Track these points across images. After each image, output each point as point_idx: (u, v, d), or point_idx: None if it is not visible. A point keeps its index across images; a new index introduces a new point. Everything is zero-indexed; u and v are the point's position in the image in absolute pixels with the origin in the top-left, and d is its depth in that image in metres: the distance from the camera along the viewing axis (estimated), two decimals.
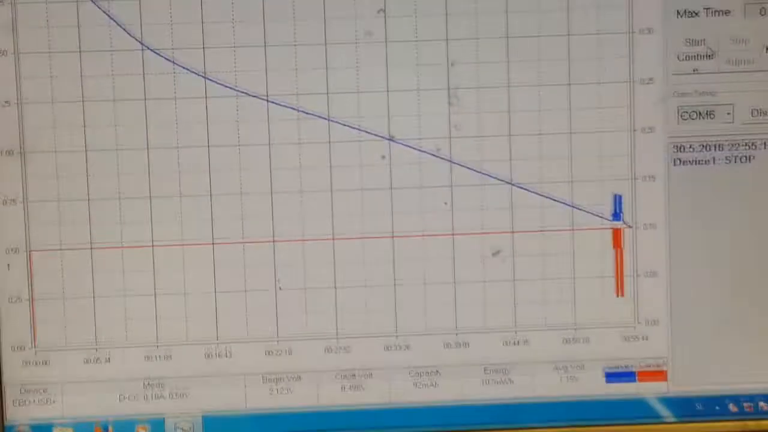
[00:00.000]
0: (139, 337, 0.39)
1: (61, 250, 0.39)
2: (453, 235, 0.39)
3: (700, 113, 0.39)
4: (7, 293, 0.39)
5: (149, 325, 0.39)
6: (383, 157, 0.39)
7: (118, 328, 0.39)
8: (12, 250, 0.38)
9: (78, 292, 0.39)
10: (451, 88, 0.39)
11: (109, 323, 0.39)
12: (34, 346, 0.39)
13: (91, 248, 0.39)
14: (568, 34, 0.38)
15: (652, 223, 0.39)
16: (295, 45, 0.38)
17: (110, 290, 0.39)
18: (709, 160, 0.39)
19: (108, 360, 0.39)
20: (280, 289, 0.39)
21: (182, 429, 0.40)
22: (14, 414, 0.39)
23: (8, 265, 0.39)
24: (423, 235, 0.39)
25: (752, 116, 0.39)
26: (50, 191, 0.38)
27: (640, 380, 0.40)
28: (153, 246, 0.39)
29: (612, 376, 0.40)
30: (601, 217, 0.39)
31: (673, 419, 0.40)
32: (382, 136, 0.39)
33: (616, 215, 0.39)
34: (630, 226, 0.39)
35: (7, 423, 0.39)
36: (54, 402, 0.39)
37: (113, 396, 0.39)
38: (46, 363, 0.39)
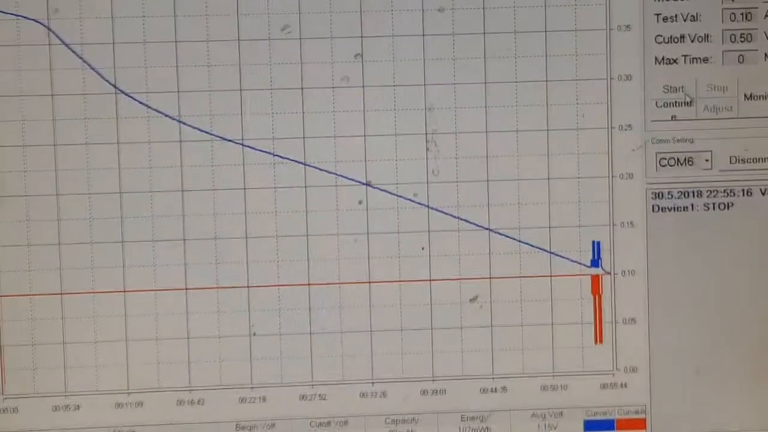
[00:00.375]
0: (110, 383, 0.39)
1: (30, 295, 0.38)
2: (430, 281, 0.39)
3: (678, 160, 0.39)
4: None
5: (120, 371, 0.39)
6: (360, 202, 0.38)
7: (88, 375, 0.39)
8: None
9: (47, 338, 0.38)
10: (428, 133, 0.38)
11: (78, 370, 0.39)
12: (2, 394, 0.38)
13: (62, 294, 0.38)
14: (546, 80, 0.38)
15: (631, 270, 0.39)
16: (271, 89, 0.38)
17: (80, 336, 0.38)
18: (688, 207, 0.39)
19: (78, 407, 0.39)
20: (254, 335, 0.39)
21: None
22: None
23: None
24: (400, 281, 0.39)
25: (731, 163, 0.39)
26: (20, 236, 0.38)
27: (619, 429, 0.40)
28: (125, 292, 0.38)
29: (591, 425, 0.40)
30: (579, 263, 0.39)
31: None
32: (359, 182, 0.38)
33: (595, 262, 0.39)
34: (609, 273, 0.39)
35: None
36: None
37: None
38: (14, 411, 0.38)
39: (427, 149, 0.38)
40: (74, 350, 0.38)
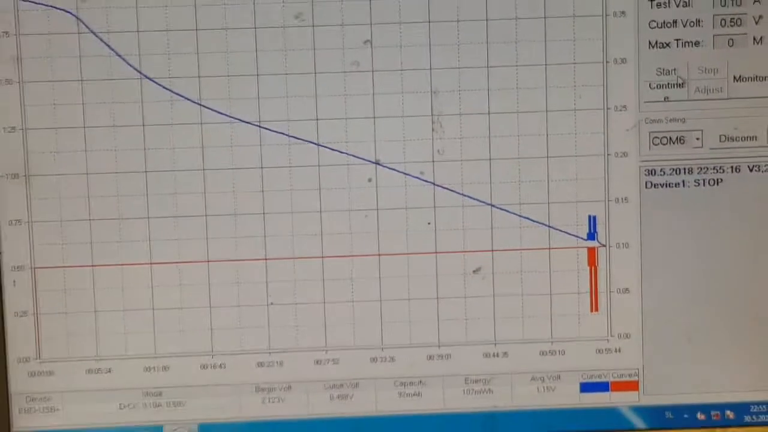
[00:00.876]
0: (138, 349, 0.42)
1: (63, 267, 0.41)
2: (436, 253, 0.41)
3: (670, 139, 0.41)
4: (13, 308, 0.41)
5: (148, 338, 0.42)
6: (370, 180, 0.41)
7: (118, 341, 0.41)
8: (17, 267, 0.41)
9: (80, 307, 0.41)
10: (434, 114, 0.41)
11: (109, 336, 0.41)
12: (39, 358, 0.41)
13: (93, 266, 0.41)
14: (545, 64, 0.40)
15: (625, 243, 0.41)
16: (285, 74, 0.40)
17: (110, 305, 0.41)
18: (679, 183, 0.41)
19: (109, 371, 0.42)
20: (271, 304, 0.41)
21: None
22: (20, 422, 0.42)
23: (14, 281, 0.41)
24: (407, 254, 0.41)
25: (720, 142, 0.41)
26: (53, 212, 0.41)
27: (614, 391, 0.42)
28: (151, 264, 0.41)
29: (587, 387, 0.42)
30: (576, 236, 0.41)
31: (644, 428, 0.42)
32: (368, 161, 0.41)
33: (591, 235, 0.41)
34: (604, 246, 0.41)
35: (13, 431, 0.41)
36: (57, 411, 0.42)
37: (114, 405, 0.42)
38: (50, 374, 0.41)
39: (433, 130, 0.41)
40: (105, 318, 0.41)
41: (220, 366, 0.42)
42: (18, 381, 0.41)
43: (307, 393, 0.42)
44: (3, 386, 0.41)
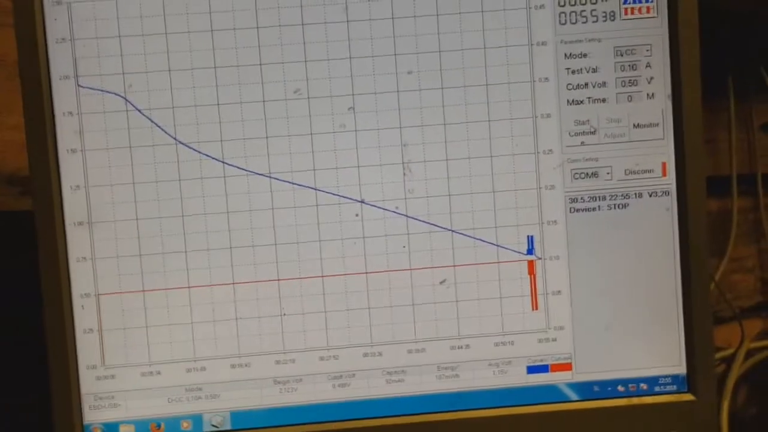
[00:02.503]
0: (181, 355, 0.53)
1: (120, 293, 0.52)
2: (410, 270, 0.53)
3: (587, 174, 0.53)
4: (82, 327, 0.52)
5: (188, 346, 0.53)
6: (357, 215, 0.52)
7: (165, 349, 0.53)
8: (84, 295, 0.52)
9: (134, 324, 0.52)
10: (405, 162, 0.52)
11: (158, 346, 0.52)
12: (104, 365, 0.52)
13: (143, 291, 0.52)
14: (489, 120, 0.52)
15: (556, 256, 0.53)
16: (288, 136, 0.52)
17: (158, 321, 0.52)
18: (595, 208, 0.53)
19: (159, 373, 0.53)
20: (284, 315, 0.53)
21: (216, 423, 0.53)
22: (90, 416, 0.53)
23: (82, 306, 0.52)
24: (388, 271, 0.53)
25: (625, 175, 0.53)
26: (111, 250, 0.52)
27: (552, 371, 0.54)
28: (189, 287, 0.52)
29: (532, 369, 0.54)
30: (518, 252, 0.53)
31: (577, 399, 0.54)
32: (355, 200, 0.52)
33: (530, 251, 0.53)
34: (540, 258, 0.53)
35: (85, 423, 0.52)
36: (119, 406, 0.53)
37: (163, 400, 0.53)
38: (113, 377, 0.52)
39: (404, 174, 0.52)
40: (154, 332, 0.52)
41: (246, 365, 0.53)
42: (87, 383, 0.52)
43: (314, 383, 0.53)
44: (76, 388, 0.52)
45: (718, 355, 0.72)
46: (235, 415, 0.53)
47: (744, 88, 0.81)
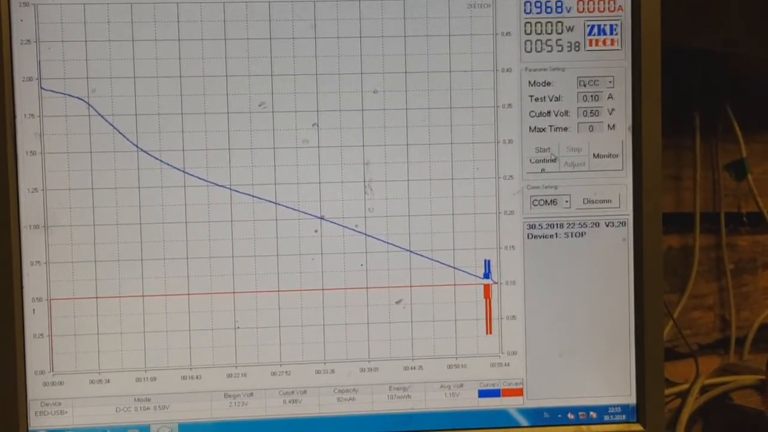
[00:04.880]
0: (131, 364, 0.52)
1: (73, 299, 0.52)
2: (367, 288, 0.53)
3: (546, 201, 0.53)
4: (32, 331, 0.52)
5: (139, 355, 0.52)
6: (316, 231, 0.53)
7: (116, 358, 0.52)
8: (37, 299, 0.51)
9: (85, 330, 0.52)
10: (366, 181, 0.53)
11: (108, 354, 0.52)
12: (52, 371, 0.52)
13: (96, 298, 0.52)
14: (451, 143, 0.53)
15: (512, 281, 0.54)
16: (251, 149, 0.52)
17: (110, 329, 0.52)
18: (553, 235, 0.54)
19: (108, 381, 0.52)
20: (238, 328, 0.53)
21: None
22: (35, 422, 0.52)
23: (33, 310, 0.51)
24: (345, 289, 0.53)
25: (584, 204, 0.54)
26: (66, 256, 0.51)
27: (504, 396, 0.54)
28: (143, 296, 0.52)
29: (483, 393, 0.54)
30: (475, 275, 0.54)
31: (527, 425, 0.54)
32: (315, 216, 0.53)
33: (487, 275, 0.54)
34: (496, 283, 0.54)
35: (30, 429, 0.52)
36: (66, 413, 0.52)
37: (111, 409, 0.52)
38: (61, 383, 0.52)
39: (365, 192, 0.53)
40: (105, 339, 0.52)
41: (197, 377, 0.53)
42: (34, 389, 0.52)
43: (265, 398, 0.53)
44: (22, 393, 0.51)
45: (674, 389, 0.72)
46: (184, 427, 0.52)
47: (711, 126, 0.82)
